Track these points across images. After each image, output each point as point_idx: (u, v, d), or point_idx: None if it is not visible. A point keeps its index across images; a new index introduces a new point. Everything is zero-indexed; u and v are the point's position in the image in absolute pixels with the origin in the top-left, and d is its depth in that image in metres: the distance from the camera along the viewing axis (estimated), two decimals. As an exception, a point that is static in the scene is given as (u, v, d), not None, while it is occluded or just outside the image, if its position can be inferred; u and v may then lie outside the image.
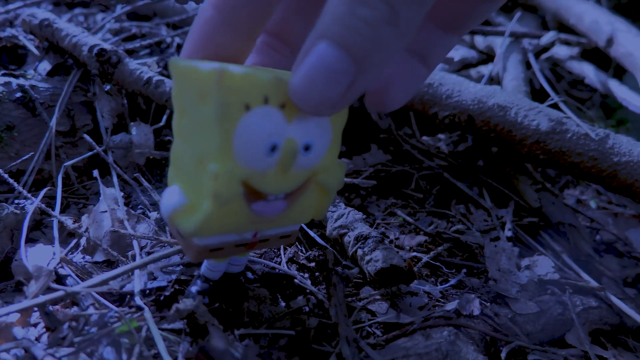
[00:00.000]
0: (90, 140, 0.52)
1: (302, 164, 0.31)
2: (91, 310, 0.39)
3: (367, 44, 0.23)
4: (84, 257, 0.46)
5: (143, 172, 0.58)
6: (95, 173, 0.53)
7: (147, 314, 0.37)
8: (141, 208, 0.52)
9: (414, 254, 0.51)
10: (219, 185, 0.28)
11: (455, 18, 0.31)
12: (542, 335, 0.46)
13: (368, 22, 0.22)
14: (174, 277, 0.42)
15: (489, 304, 0.46)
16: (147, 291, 0.41)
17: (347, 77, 0.24)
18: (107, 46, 0.57)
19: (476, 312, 0.44)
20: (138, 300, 0.38)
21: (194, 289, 0.39)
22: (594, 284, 0.51)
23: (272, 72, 0.30)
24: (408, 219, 0.56)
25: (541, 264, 0.52)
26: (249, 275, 0.42)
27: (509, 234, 0.56)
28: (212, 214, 0.29)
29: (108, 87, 0.60)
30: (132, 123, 0.59)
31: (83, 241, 0.47)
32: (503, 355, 0.42)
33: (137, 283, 0.40)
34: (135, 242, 0.46)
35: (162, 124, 0.61)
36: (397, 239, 0.53)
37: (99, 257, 0.45)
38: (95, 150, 0.53)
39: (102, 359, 0.34)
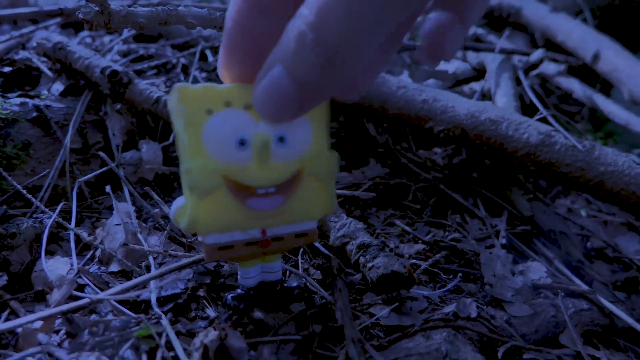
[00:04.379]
0: (105, 156, 0.55)
1: (281, 155, 0.34)
2: (110, 317, 0.41)
3: (311, 80, 0.27)
4: (99, 268, 0.48)
5: (152, 187, 0.60)
6: (108, 188, 0.55)
7: (164, 320, 0.39)
8: (152, 221, 0.54)
9: (413, 261, 0.53)
10: (193, 177, 0.32)
11: None
12: (537, 337, 0.48)
13: (311, 64, 0.26)
14: (188, 285, 0.45)
15: (485, 307, 0.49)
16: (162, 299, 0.44)
17: (295, 103, 0.29)
18: (118, 68, 0.60)
19: (473, 314, 0.47)
20: (156, 308, 0.41)
21: (230, 295, 0.41)
22: (585, 287, 0.54)
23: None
24: (407, 228, 0.59)
25: (534, 270, 0.55)
26: (293, 283, 0.44)
27: (503, 241, 0.58)
28: (195, 205, 0.33)
29: (118, 106, 0.62)
30: (141, 141, 0.62)
31: (98, 253, 0.50)
32: (500, 354, 0.44)
33: (154, 292, 0.42)
34: (151, 259, 0.48)
35: (170, 141, 0.64)
36: (396, 247, 0.55)
37: (114, 267, 0.48)
38: (108, 166, 0.56)
39: (123, 360, 0.37)
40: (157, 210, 0.54)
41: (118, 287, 0.41)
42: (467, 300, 0.48)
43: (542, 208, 0.64)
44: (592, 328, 0.52)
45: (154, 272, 0.43)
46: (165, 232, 0.52)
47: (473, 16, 0.33)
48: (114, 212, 0.53)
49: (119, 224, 0.51)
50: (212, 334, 0.38)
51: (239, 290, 0.41)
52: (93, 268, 0.48)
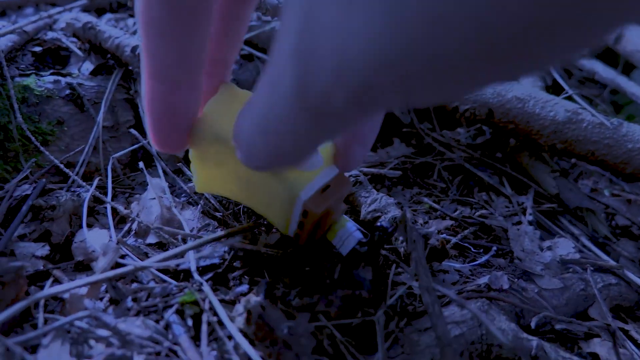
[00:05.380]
0: (137, 133, 0.56)
1: None
2: (152, 284, 0.42)
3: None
4: (136, 240, 0.49)
5: (183, 163, 0.61)
6: (141, 164, 0.56)
7: (206, 287, 0.40)
8: (185, 196, 0.55)
9: (443, 236, 0.54)
10: None
11: None
12: (567, 309, 0.49)
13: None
14: (225, 256, 0.46)
15: (516, 279, 0.49)
16: (201, 269, 0.45)
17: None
18: (148, 46, 0.60)
19: (505, 286, 0.47)
20: (196, 276, 0.42)
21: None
22: (612, 263, 0.54)
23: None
24: (434, 205, 0.59)
25: (562, 245, 0.56)
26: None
27: (530, 218, 0.59)
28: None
29: (147, 85, 0.63)
30: (170, 119, 0.63)
31: (135, 226, 0.51)
32: (533, 324, 0.45)
33: (194, 261, 0.43)
34: (185, 226, 0.49)
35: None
36: (425, 222, 0.56)
37: (151, 239, 0.49)
38: (140, 143, 0.57)
39: (169, 324, 0.38)
40: (191, 184, 0.55)
41: (159, 256, 0.42)
42: (499, 273, 0.49)
43: (568, 186, 0.64)
44: (620, 302, 0.52)
45: (194, 242, 0.44)
46: (199, 206, 0.53)
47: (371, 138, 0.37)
48: (148, 187, 0.54)
49: (154, 198, 0.52)
50: (254, 300, 0.39)
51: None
52: (130, 240, 0.49)
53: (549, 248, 0.55)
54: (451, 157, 0.68)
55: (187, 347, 0.35)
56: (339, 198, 0.39)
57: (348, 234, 0.40)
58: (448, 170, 0.67)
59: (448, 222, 0.57)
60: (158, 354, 0.36)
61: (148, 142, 0.59)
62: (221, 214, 0.53)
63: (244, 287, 0.42)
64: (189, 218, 0.52)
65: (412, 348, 0.38)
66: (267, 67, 0.24)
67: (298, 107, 0.22)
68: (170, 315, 0.38)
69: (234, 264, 0.46)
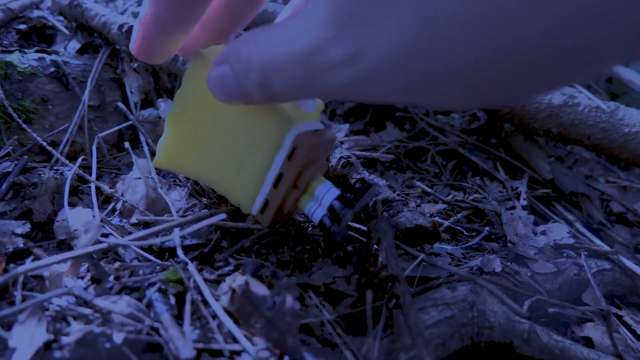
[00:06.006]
0: (125, 108, 0.55)
1: None
2: (135, 263, 0.41)
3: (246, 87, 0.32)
4: (121, 220, 0.48)
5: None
6: (127, 145, 0.55)
7: (191, 266, 0.39)
8: (172, 177, 0.54)
9: (436, 218, 0.53)
10: None
11: None
12: (560, 294, 0.48)
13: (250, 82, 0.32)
14: (211, 236, 0.44)
15: (509, 263, 0.48)
16: (186, 248, 0.43)
17: (236, 97, 0.34)
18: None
19: (498, 269, 0.46)
20: (181, 254, 0.40)
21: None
22: (607, 248, 0.54)
23: None
24: (427, 189, 0.58)
25: (556, 230, 0.55)
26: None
27: (524, 203, 0.58)
28: None
29: (135, 64, 0.62)
30: (159, 99, 0.61)
31: (119, 206, 0.49)
32: (525, 307, 0.44)
33: (178, 239, 0.42)
34: (171, 205, 0.48)
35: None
36: (418, 206, 0.55)
37: (136, 219, 0.47)
38: (129, 122, 0.55)
39: (151, 302, 0.36)
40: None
41: (142, 233, 0.41)
42: (491, 257, 0.48)
43: (563, 171, 0.63)
44: (614, 288, 0.52)
45: (176, 220, 0.42)
46: (186, 188, 0.51)
47: None
48: (134, 166, 0.52)
49: (139, 178, 0.51)
50: (240, 279, 0.38)
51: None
52: (115, 220, 0.48)
53: (543, 233, 0.54)
54: (445, 142, 0.67)
55: (168, 325, 0.34)
56: (323, 153, 0.39)
57: (328, 187, 0.39)
58: (442, 155, 0.66)
59: (441, 206, 0.56)
60: (139, 332, 0.34)
61: (137, 119, 0.58)
62: (207, 194, 0.51)
63: (230, 267, 0.41)
64: (175, 199, 0.51)
65: (401, 329, 0.37)
66: (293, 19, 0.28)
67: (300, 63, 0.27)
68: (152, 293, 0.37)
69: (221, 243, 0.45)
